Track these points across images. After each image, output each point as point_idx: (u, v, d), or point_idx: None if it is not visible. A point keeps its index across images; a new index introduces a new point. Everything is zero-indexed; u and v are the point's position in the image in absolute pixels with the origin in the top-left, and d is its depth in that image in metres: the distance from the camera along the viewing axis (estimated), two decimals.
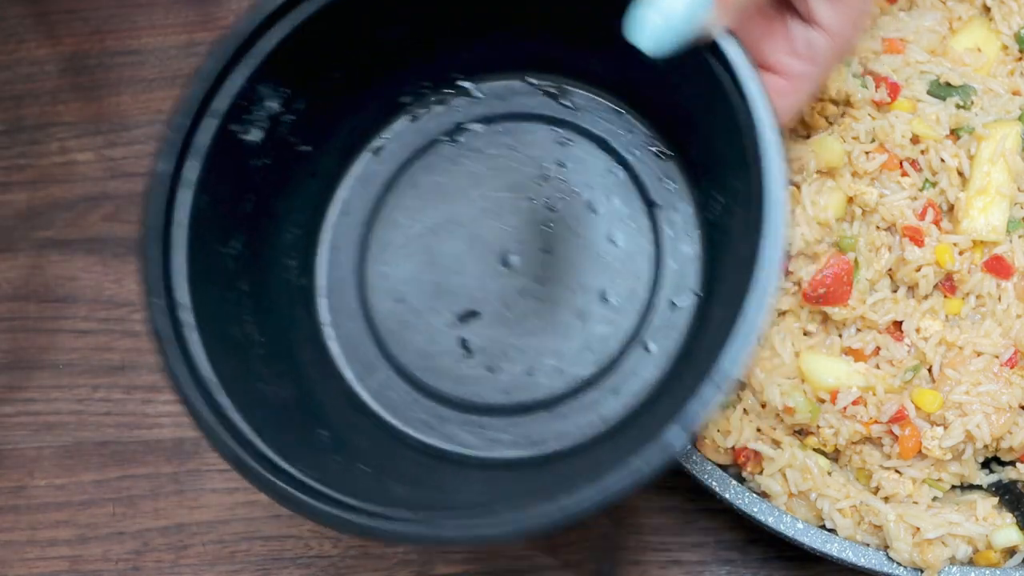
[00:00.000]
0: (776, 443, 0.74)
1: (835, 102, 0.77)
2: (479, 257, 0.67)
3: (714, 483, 0.72)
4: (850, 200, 0.75)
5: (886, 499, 0.72)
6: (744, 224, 0.55)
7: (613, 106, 0.68)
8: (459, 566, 0.83)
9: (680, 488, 0.84)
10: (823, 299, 0.74)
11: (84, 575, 0.85)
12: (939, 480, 0.73)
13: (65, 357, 0.91)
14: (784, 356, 0.74)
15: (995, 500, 0.73)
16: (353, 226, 0.69)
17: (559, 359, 0.65)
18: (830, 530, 0.72)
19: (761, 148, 0.54)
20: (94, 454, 0.88)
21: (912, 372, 0.72)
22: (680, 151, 0.67)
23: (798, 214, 0.74)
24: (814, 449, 0.74)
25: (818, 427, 0.73)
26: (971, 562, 0.72)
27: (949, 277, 0.75)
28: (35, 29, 1.06)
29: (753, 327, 0.51)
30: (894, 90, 0.76)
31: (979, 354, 0.73)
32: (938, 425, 0.72)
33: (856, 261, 0.75)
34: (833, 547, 0.71)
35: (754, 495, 0.72)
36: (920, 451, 0.72)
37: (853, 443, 0.73)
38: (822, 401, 0.73)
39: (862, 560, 0.70)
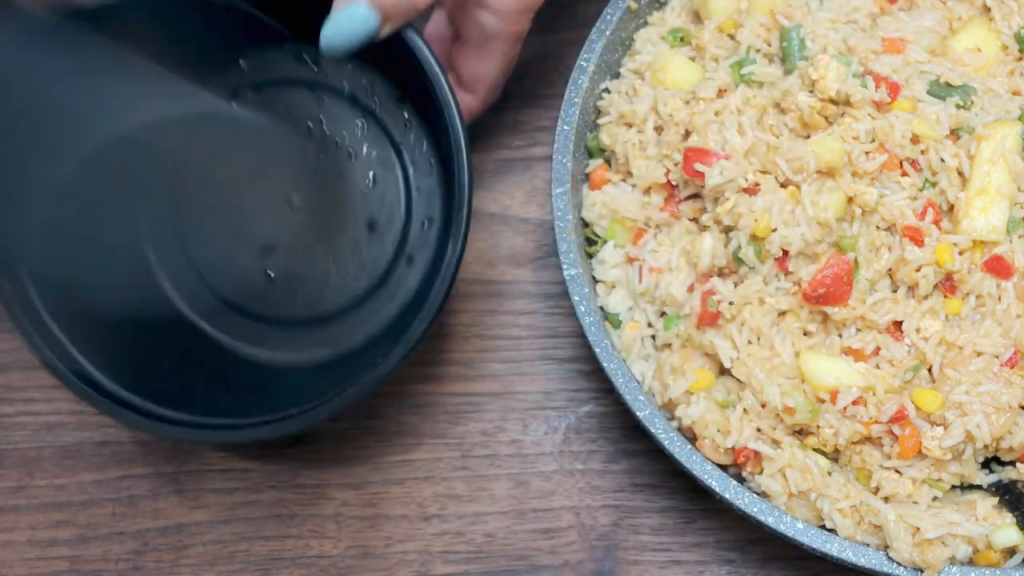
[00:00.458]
0: (776, 443, 0.74)
1: (835, 102, 0.77)
2: (268, 201, 0.83)
3: (714, 483, 0.72)
4: (850, 200, 0.75)
5: (886, 499, 0.72)
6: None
7: (353, 64, 0.83)
8: (459, 566, 0.83)
9: (680, 488, 0.84)
10: (823, 299, 0.74)
11: (84, 575, 0.85)
12: (939, 480, 0.73)
13: None
14: (784, 356, 0.74)
15: (995, 500, 0.73)
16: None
17: (342, 277, 0.82)
18: (830, 530, 0.72)
19: (442, 102, 0.74)
20: (94, 454, 0.88)
21: (912, 372, 0.72)
22: (412, 99, 0.82)
23: (798, 214, 0.74)
24: (814, 449, 0.74)
25: (818, 427, 0.73)
26: (971, 562, 0.72)
27: (949, 277, 0.75)
28: None
29: (459, 233, 0.72)
30: (894, 90, 0.76)
31: (979, 354, 0.73)
32: (938, 425, 0.71)
33: (856, 261, 0.75)
34: (833, 547, 0.71)
35: (754, 495, 0.72)
36: (920, 451, 0.72)
37: (853, 443, 0.73)
38: (822, 401, 0.73)
39: (862, 560, 0.70)
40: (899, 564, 0.70)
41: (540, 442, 0.86)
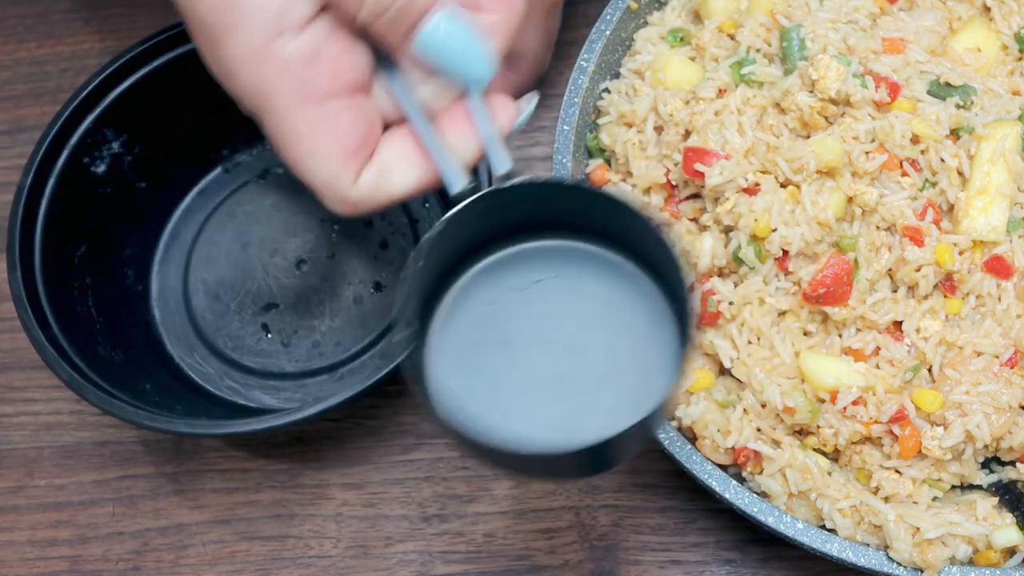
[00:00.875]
0: (776, 443, 0.73)
1: (835, 102, 0.76)
2: (279, 264, 0.92)
3: (714, 483, 0.72)
4: (850, 200, 0.75)
5: (886, 499, 0.72)
6: None
7: None
8: (459, 566, 0.83)
9: (680, 488, 0.84)
10: (823, 299, 0.74)
11: (84, 575, 0.85)
12: (939, 480, 0.73)
13: None
14: (784, 356, 0.73)
15: (995, 500, 0.73)
16: (180, 247, 0.94)
17: (340, 334, 0.90)
18: (830, 530, 0.72)
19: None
20: (94, 454, 0.89)
21: (912, 372, 0.72)
22: None
23: (798, 214, 0.74)
24: (814, 449, 0.74)
25: (818, 427, 0.73)
26: (971, 562, 0.72)
27: (949, 277, 0.74)
28: (35, 29, 1.06)
29: None
30: (894, 90, 0.76)
31: (979, 354, 0.73)
32: (938, 425, 0.71)
33: (856, 261, 0.75)
34: (833, 547, 0.70)
35: (754, 495, 0.72)
36: (920, 451, 0.72)
37: (853, 443, 0.73)
38: (822, 401, 0.73)
39: (862, 560, 0.70)
40: (899, 564, 0.70)
41: None
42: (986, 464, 0.75)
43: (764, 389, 0.73)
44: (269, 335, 0.90)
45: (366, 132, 0.63)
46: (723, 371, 0.76)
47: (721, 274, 0.77)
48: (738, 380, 0.75)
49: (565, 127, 0.82)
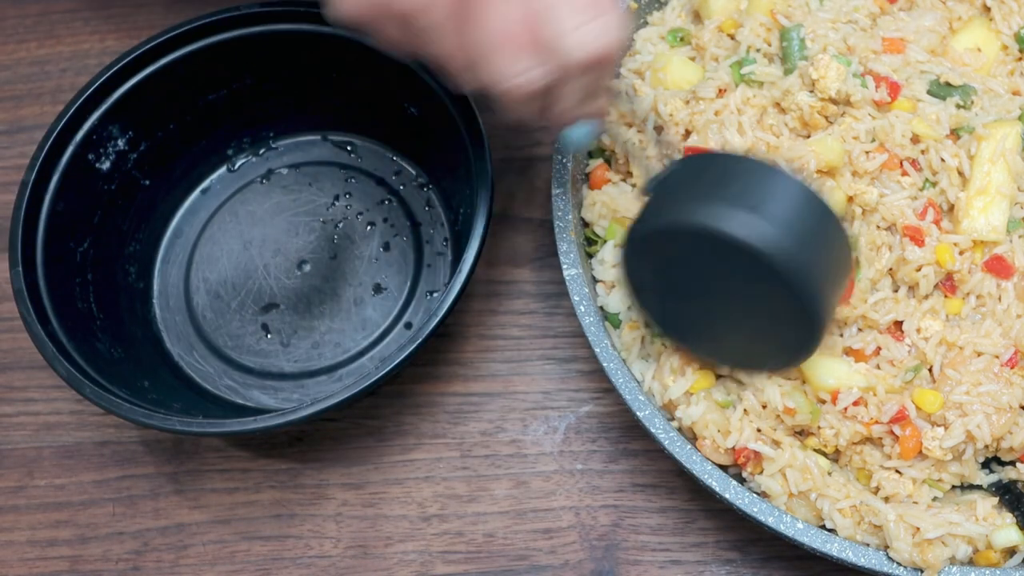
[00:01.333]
0: (776, 443, 0.73)
1: (835, 101, 0.77)
2: (280, 264, 0.93)
3: (714, 483, 0.72)
4: (850, 199, 0.75)
5: (886, 499, 0.72)
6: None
7: (389, 154, 0.96)
8: (459, 566, 0.83)
9: (680, 488, 0.84)
10: None
11: (84, 575, 0.85)
12: (939, 480, 0.73)
13: None
14: None
15: (995, 500, 0.73)
16: (182, 245, 0.94)
17: (339, 336, 0.90)
18: (830, 530, 0.72)
19: (480, 182, 0.80)
20: (94, 454, 0.88)
21: (913, 372, 0.72)
22: (437, 184, 0.93)
23: None
24: (814, 449, 0.74)
25: (819, 428, 0.73)
26: (971, 562, 0.72)
27: (949, 277, 0.74)
28: (35, 29, 1.06)
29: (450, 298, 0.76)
30: (894, 89, 0.76)
31: (979, 354, 0.73)
32: (939, 425, 0.71)
33: (856, 261, 0.74)
34: (833, 547, 0.70)
35: (754, 495, 0.72)
36: (920, 451, 0.72)
37: (854, 443, 0.73)
38: (823, 402, 0.73)
39: (862, 560, 0.70)
40: (899, 564, 0.70)
41: (540, 442, 0.86)
42: (986, 464, 0.75)
43: (764, 390, 0.73)
44: (269, 335, 0.90)
45: None
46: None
47: None
48: (738, 381, 0.75)
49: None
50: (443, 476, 0.86)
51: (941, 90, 0.78)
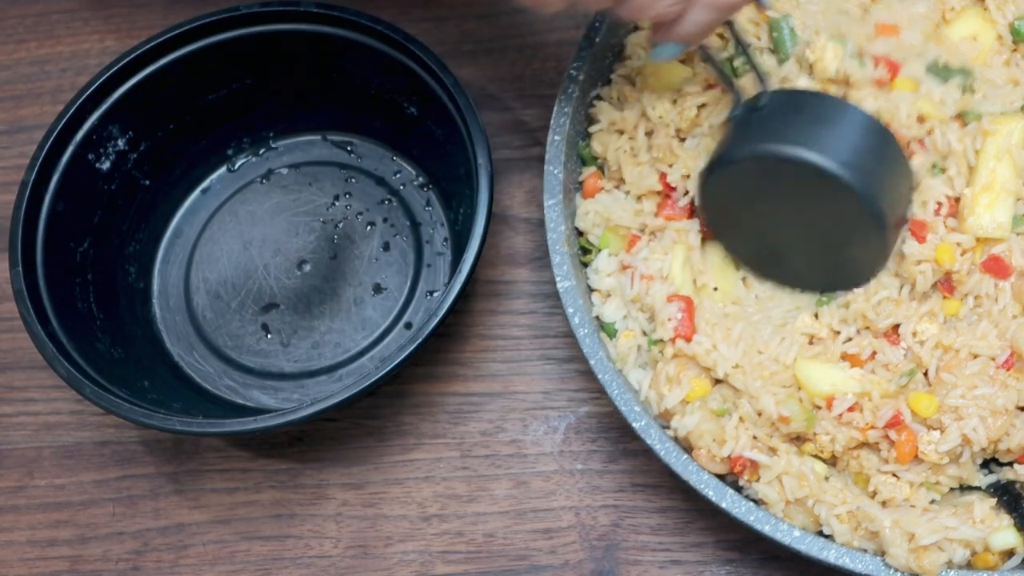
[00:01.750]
0: (773, 450, 0.73)
1: (835, 82, 0.76)
2: (280, 264, 0.93)
3: (711, 493, 0.72)
4: None
5: (884, 503, 0.72)
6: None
7: (389, 154, 0.96)
8: (459, 566, 0.83)
9: (680, 488, 0.84)
10: None
11: (84, 575, 0.85)
12: (937, 483, 0.73)
13: None
14: (782, 357, 0.73)
15: (993, 501, 0.72)
16: (182, 245, 0.94)
17: (339, 336, 0.90)
18: (828, 536, 0.72)
19: (480, 182, 0.80)
20: (94, 454, 0.89)
21: (907, 377, 0.72)
22: (437, 184, 0.93)
23: None
24: (812, 455, 0.74)
25: (815, 434, 0.72)
26: (969, 564, 0.71)
27: (948, 277, 0.74)
28: (35, 29, 1.06)
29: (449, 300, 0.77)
30: (893, 69, 0.75)
31: (975, 356, 0.72)
32: (934, 429, 0.71)
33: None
34: (830, 554, 0.70)
35: (751, 503, 0.72)
36: (917, 455, 0.71)
37: (850, 449, 0.73)
38: (818, 407, 0.72)
39: (859, 566, 0.70)
40: (896, 570, 0.70)
41: (540, 442, 0.86)
42: (985, 464, 0.75)
43: (759, 398, 0.72)
44: (269, 335, 0.90)
45: None
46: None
47: None
48: (734, 388, 0.74)
49: (556, 137, 0.81)
50: (443, 476, 0.86)
51: (941, 71, 0.77)
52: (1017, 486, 0.73)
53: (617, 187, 0.82)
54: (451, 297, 0.77)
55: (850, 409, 0.71)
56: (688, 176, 0.79)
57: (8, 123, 1.02)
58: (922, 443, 0.71)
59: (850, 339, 0.74)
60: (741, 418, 0.74)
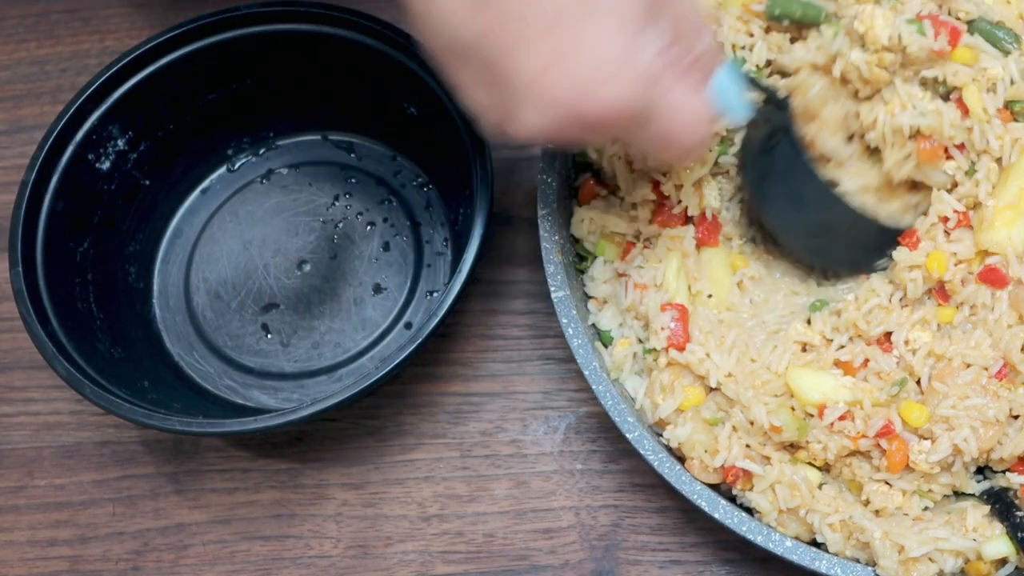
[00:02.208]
0: (766, 459, 0.73)
1: (890, 50, 0.72)
2: (280, 264, 0.93)
3: (704, 504, 0.72)
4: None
5: (877, 512, 0.72)
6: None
7: (389, 154, 0.96)
8: (459, 566, 0.83)
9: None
10: None
11: (84, 575, 0.85)
12: (929, 491, 0.72)
13: None
14: (774, 366, 0.73)
15: (986, 509, 0.72)
16: (182, 245, 0.94)
17: (339, 336, 0.90)
18: (820, 544, 0.72)
19: (480, 182, 0.80)
20: (94, 454, 0.89)
21: (898, 386, 0.72)
22: (437, 184, 0.93)
23: None
24: (806, 462, 0.73)
25: (807, 442, 0.72)
26: (963, 572, 0.71)
27: (941, 284, 0.73)
28: (35, 29, 1.06)
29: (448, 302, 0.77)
30: (955, 35, 0.72)
31: (968, 366, 0.72)
32: (925, 439, 0.71)
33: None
34: (822, 564, 0.70)
35: (744, 514, 0.72)
36: (908, 464, 0.71)
37: (842, 457, 0.73)
38: (810, 416, 0.72)
39: None
40: None
41: (540, 442, 0.86)
42: (980, 470, 0.74)
43: (751, 407, 0.72)
44: (269, 335, 0.90)
45: None
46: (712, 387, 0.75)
47: None
48: (727, 397, 0.74)
49: (549, 144, 0.80)
50: (443, 476, 0.86)
51: (992, 30, 0.74)
52: (1010, 494, 0.73)
53: (613, 194, 0.82)
54: (451, 297, 0.77)
55: (841, 418, 0.71)
56: (681, 186, 0.78)
57: (8, 123, 1.02)
58: (913, 452, 0.71)
59: (843, 347, 0.74)
60: (734, 427, 0.74)
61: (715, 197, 0.79)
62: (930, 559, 0.70)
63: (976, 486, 0.74)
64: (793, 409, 0.72)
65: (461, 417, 0.88)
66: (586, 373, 0.75)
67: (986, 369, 0.71)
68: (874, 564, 0.70)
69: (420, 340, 0.76)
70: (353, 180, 0.95)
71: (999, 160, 0.74)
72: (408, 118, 0.91)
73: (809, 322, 0.76)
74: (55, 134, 0.84)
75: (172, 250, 0.94)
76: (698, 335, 0.75)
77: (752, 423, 0.73)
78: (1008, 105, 0.74)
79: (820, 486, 0.73)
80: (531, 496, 0.85)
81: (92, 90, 0.86)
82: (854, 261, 0.78)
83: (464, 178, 0.83)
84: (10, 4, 1.06)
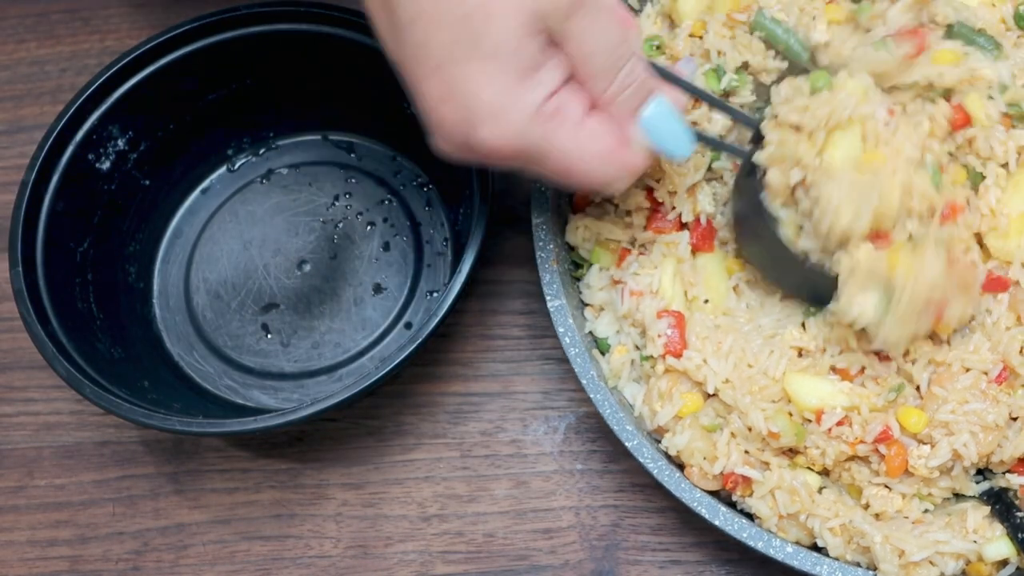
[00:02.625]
0: (765, 464, 0.73)
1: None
2: (280, 264, 0.93)
3: (704, 511, 0.72)
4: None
5: (877, 515, 0.72)
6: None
7: (389, 153, 0.96)
8: (459, 566, 0.83)
9: None
10: None
11: (84, 575, 0.85)
12: (929, 495, 0.72)
13: None
14: (771, 371, 0.73)
15: (987, 510, 0.72)
16: (182, 245, 0.94)
17: (339, 336, 0.90)
18: (821, 548, 0.72)
19: (480, 182, 0.80)
20: (94, 454, 0.89)
21: (895, 392, 0.71)
22: (437, 184, 0.94)
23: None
24: (805, 467, 0.73)
25: (805, 447, 0.72)
26: (964, 574, 0.71)
27: None
28: (35, 29, 1.06)
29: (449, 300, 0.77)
30: (920, 42, 0.73)
31: (967, 370, 0.71)
32: (924, 444, 0.71)
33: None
34: (823, 569, 0.70)
35: (743, 520, 0.72)
36: (907, 469, 0.71)
37: (841, 462, 0.73)
38: (808, 421, 0.72)
39: None
40: None
41: (540, 442, 0.86)
42: (980, 471, 0.74)
43: (749, 413, 0.72)
44: (269, 335, 0.90)
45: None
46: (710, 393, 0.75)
47: None
48: (725, 403, 0.74)
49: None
50: (443, 476, 0.86)
51: (972, 39, 0.74)
52: (1010, 495, 0.73)
53: (607, 200, 0.82)
54: (451, 297, 0.77)
55: (839, 423, 0.71)
56: (675, 193, 0.78)
57: (8, 123, 1.01)
58: (912, 458, 0.70)
59: (839, 353, 0.74)
60: (732, 433, 0.73)
61: (709, 202, 0.78)
62: (931, 562, 0.70)
63: (975, 487, 0.73)
64: (791, 415, 0.72)
65: (461, 417, 0.88)
66: (584, 382, 0.76)
67: (985, 373, 0.71)
68: (875, 568, 0.70)
69: (420, 340, 0.76)
70: (353, 180, 0.95)
71: (1005, 166, 0.73)
72: (408, 118, 0.90)
73: (804, 326, 0.75)
74: (55, 134, 0.84)
75: (172, 250, 0.94)
76: (695, 341, 0.75)
77: (750, 429, 0.72)
78: (1010, 112, 0.74)
79: (820, 490, 0.73)
80: (531, 496, 0.85)
81: (92, 90, 0.86)
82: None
83: (464, 178, 0.83)
84: (10, 4, 1.06)
